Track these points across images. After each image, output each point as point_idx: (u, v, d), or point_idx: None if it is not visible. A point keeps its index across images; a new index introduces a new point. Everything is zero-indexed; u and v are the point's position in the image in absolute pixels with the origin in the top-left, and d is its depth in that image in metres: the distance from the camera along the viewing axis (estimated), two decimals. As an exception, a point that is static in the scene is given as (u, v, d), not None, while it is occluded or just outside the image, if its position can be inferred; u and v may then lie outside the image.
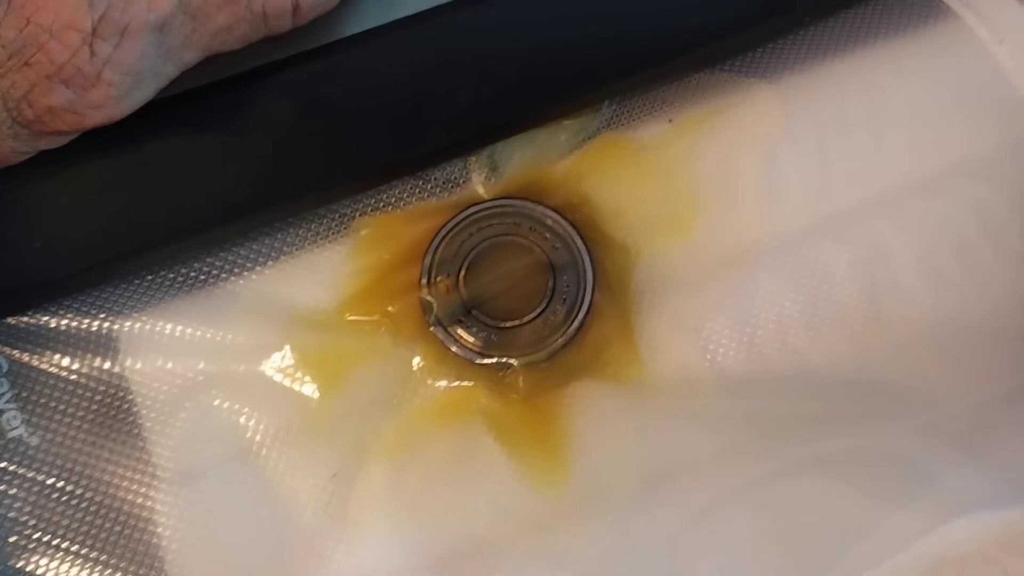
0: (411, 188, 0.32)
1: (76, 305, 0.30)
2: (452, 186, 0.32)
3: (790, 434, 0.29)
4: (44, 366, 0.29)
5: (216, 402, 0.30)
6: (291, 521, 0.29)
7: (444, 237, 0.31)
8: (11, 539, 0.28)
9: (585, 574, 0.28)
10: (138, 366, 0.30)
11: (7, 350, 0.29)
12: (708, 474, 0.29)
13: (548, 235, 0.31)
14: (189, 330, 0.30)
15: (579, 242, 0.31)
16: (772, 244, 0.31)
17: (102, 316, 0.30)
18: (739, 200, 0.32)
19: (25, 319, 0.30)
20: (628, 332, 0.31)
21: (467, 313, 0.30)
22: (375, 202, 0.32)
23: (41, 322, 0.30)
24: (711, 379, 0.30)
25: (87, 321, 0.30)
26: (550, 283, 0.31)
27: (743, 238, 0.31)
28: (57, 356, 0.29)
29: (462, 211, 0.31)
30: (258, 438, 0.29)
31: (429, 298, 0.30)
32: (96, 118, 0.25)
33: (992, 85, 0.32)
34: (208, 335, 0.30)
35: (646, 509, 0.28)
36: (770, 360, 0.30)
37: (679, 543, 0.27)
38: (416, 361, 0.30)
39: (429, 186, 0.32)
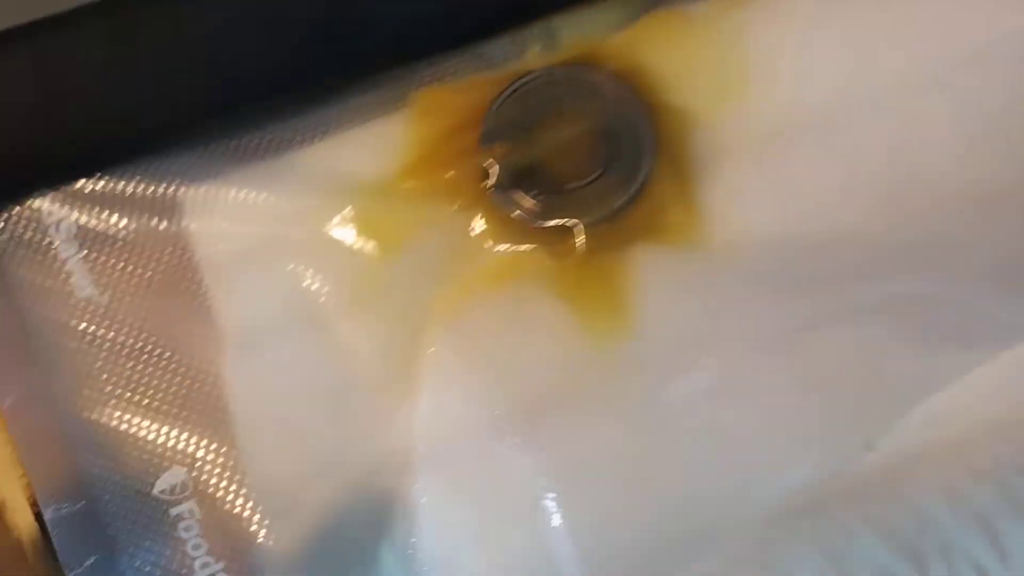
0: (466, 61, 0.32)
1: (141, 170, 0.30)
2: (507, 58, 0.32)
3: (840, 287, 0.30)
4: (112, 229, 0.30)
5: (277, 266, 0.30)
6: (353, 381, 0.30)
7: (501, 104, 0.31)
8: (84, 392, 0.29)
9: (631, 425, 0.29)
10: (202, 230, 0.30)
11: (75, 213, 0.30)
12: (756, 330, 0.30)
13: (606, 100, 0.31)
14: (251, 195, 0.31)
15: (637, 107, 0.31)
16: (819, 114, 0.31)
17: (166, 181, 0.30)
18: (788, 72, 0.32)
19: (91, 183, 0.30)
20: (686, 196, 0.31)
21: (526, 177, 0.31)
22: (431, 74, 0.32)
23: (108, 186, 0.30)
24: (766, 241, 0.31)
25: (152, 186, 0.30)
26: (609, 147, 0.31)
27: (792, 108, 0.32)
28: (124, 219, 0.30)
29: (519, 79, 0.31)
30: (321, 300, 0.30)
31: (487, 163, 0.31)
32: None
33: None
34: (269, 201, 0.31)
35: (693, 364, 0.29)
36: (818, 221, 0.31)
37: (717, 395, 0.29)
38: (475, 226, 0.31)
39: (485, 58, 0.32)
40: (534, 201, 0.30)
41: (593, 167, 0.31)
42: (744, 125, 0.32)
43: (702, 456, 0.29)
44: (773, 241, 0.31)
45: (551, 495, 0.28)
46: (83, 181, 0.30)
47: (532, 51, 0.32)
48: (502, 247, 0.30)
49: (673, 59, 0.32)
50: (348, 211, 0.30)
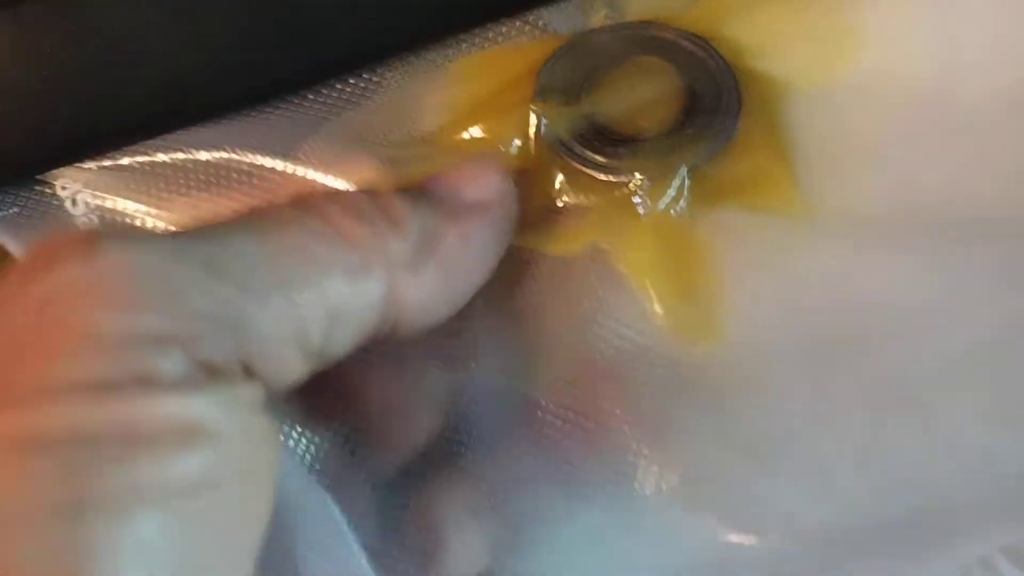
0: (519, 27, 0.29)
1: (165, 145, 0.28)
2: (567, 25, 0.29)
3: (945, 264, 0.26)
4: (132, 207, 0.28)
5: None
6: None
7: (559, 58, 0.28)
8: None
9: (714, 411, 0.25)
10: (233, 207, 0.27)
11: (94, 191, 0.28)
12: (848, 306, 0.25)
13: (683, 54, 0.28)
14: (290, 167, 0.28)
15: (719, 59, 0.27)
16: (932, 86, 0.27)
17: (192, 155, 0.28)
18: (895, 41, 0.28)
19: (111, 159, 0.28)
20: (780, 159, 0.27)
21: (591, 129, 0.27)
22: (482, 40, 0.29)
23: (129, 163, 0.28)
24: (871, 214, 0.27)
25: (178, 161, 0.28)
26: (685, 102, 0.27)
27: (899, 77, 0.28)
28: (146, 196, 0.28)
29: (581, 33, 0.28)
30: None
31: (537, 116, 0.27)
32: None
33: None
34: (309, 173, 0.28)
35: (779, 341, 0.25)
36: (935, 198, 0.27)
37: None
38: (528, 181, 0.27)
39: (541, 23, 0.29)
40: (597, 156, 0.26)
41: (666, 123, 0.27)
42: (853, 91, 0.28)
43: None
44: (885, 215, 0.27)
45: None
46: (103, 158, 0.28)
47: (596, 18, 0.29)
48: (563, 204, 0.26)
49: (759, 26, 0.29)
50: (396, 175, 0.27)
